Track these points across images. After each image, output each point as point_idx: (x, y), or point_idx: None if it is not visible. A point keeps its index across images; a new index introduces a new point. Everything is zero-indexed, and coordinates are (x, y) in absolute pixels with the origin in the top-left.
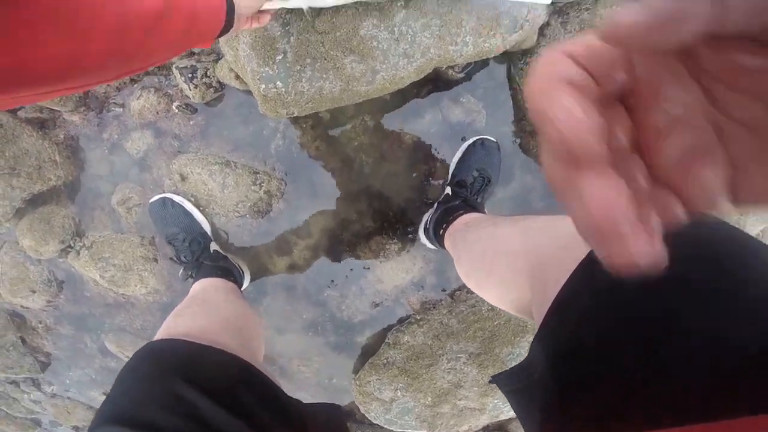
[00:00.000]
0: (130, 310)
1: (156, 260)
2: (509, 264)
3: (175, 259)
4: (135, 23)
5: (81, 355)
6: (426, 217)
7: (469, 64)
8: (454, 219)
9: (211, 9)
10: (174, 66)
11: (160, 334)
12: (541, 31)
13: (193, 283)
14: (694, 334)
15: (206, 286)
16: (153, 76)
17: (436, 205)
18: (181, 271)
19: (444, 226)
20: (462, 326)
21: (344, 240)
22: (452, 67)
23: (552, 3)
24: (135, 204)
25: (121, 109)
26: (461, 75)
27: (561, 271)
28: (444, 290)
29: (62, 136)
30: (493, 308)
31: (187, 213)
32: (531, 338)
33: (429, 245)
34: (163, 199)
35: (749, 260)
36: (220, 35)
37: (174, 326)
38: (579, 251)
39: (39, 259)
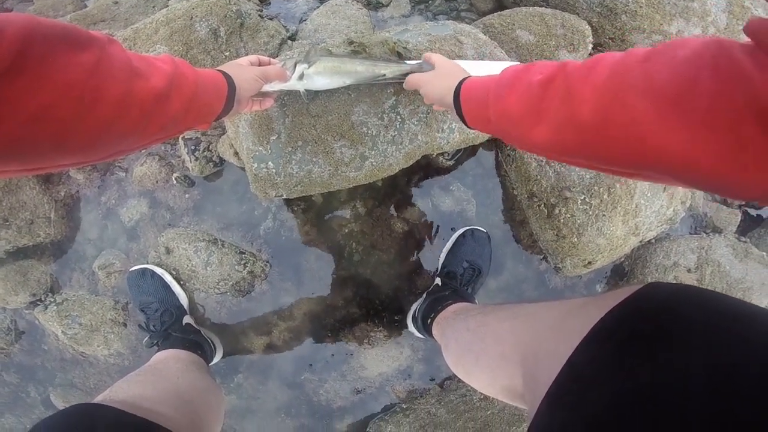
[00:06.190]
0: (87, 369)
1: (125, 325)
2: (498, 351)
3: (143, 326)
4: (135, 102)
5: (21, 403)
6: (414, 306)
7: (458, 150)
8: (443, 309)
9: (212, 91)
10: (181, 136)
11: (102, 395)
12: None
13: (157, 351)
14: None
15: (168, 356)
16: (161, 144)
17: (425, 295)
18: (146, 338)
19: (432, 315)
20: (451, 416)
21: (327, 325)
22: (442, 154)
23: None
24: (116, 270)
25: (124, 174)
26: (451, 162)
27: (553, 359)
28: (433, 379)
29: (63, 194)
30: (485, 398)
31: (165, 285)
32: (527, 427)
33: (417, 334)
34: (144, 269)
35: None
36: (219, 117)
37: (119, 390)
38: (572, 338)
39: (4, 308)
